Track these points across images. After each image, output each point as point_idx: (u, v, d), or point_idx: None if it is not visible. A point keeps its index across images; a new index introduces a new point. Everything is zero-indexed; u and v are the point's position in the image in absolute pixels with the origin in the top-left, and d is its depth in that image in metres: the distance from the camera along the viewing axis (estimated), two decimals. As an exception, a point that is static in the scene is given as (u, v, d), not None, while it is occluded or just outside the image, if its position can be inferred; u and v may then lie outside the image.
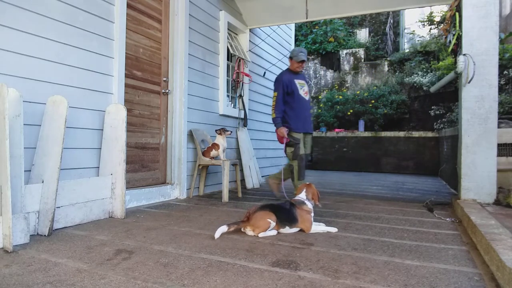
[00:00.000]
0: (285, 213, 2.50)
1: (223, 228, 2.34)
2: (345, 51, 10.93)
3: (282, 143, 3.86)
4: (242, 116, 5.27)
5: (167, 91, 3.91)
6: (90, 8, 2.93)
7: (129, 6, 3.36)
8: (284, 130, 3.72)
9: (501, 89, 5.42)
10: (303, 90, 3.88)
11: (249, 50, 5.49)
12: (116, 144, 2.90)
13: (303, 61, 3.83)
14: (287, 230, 2.50)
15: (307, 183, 2.75)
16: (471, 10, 3.31)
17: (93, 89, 2.98)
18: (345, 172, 8.40)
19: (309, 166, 8.86)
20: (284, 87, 3.76)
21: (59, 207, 2.49)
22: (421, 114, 8.85)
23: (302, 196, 2.63)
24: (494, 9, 3.26)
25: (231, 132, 4.20)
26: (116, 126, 2.93)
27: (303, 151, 3.78)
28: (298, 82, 3.86)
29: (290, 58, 3.90)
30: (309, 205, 2.58)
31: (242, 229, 2.45)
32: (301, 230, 2.53)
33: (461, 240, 2.38)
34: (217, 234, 2.31)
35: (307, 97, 3.92)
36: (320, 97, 10.25)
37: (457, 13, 3.47)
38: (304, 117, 3.86)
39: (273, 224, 2.41)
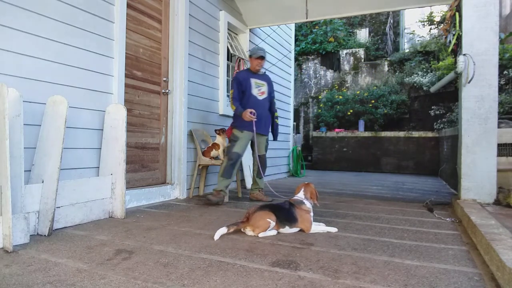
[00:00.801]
0: (285, 213, 2.49)
1: (223, 230, 2.34)
2: (345, 51, 10.92)
3: (228, 136, 3.89)
4: (242, 116, 5.26)
5: (167, 91, 3.91)
6: (90, 8, 2.93)
7: (129, 6, 3.36)
8: (249, 113, 3.61)
9: (501, 89, 5.42)
10: (259, 89, 3.81)
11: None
12: (116, 144, 2.90)
13: (261, 58, 3.76)
14: (287, 230, 2.49)
15: (306, 182, 2.74)
16: (471, 10, 3.31)
17: (93, 89, 2.98)
18: (345, 172, 8.40)
19: (309, 166, 8.88)
20: (239, 84, 3.74)
21: (59, 207, 2.49)
22: (421, 114, 8.85)
23: (300, 195, 2.63)
24: (494, 9, 3.26)
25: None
26: (116, 126, 2.93)
27: (238, 150, 3.68)
28: (254, 81, 3.80)
29: (250, 56, 3.86)
30: (308, 204, 2.58)
31: (242, 229, 2.44)
32: (301, 230, 2.53)
33: (461, 240, 2.38)
34: (216, 236, 2.30)
35: (261, 97, 3.81)
36: (320, 97, 10.25)
37: (457, 13, 3.47)
38: (256, 117, 3.71)
39: (273, 224, 2.40)
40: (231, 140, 3.79)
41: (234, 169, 3.69)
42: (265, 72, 4.16)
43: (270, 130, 4.06)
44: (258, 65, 3.80)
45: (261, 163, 3.89)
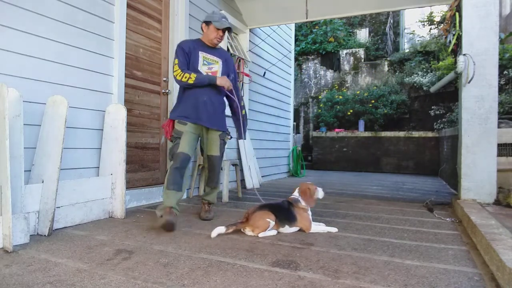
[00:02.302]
0: (284, 212, 2.49)
1: (221, 229, 2.33)
2: (345, 51, 10.93)
3: (166, 133, 2.81)
4: (242, 116, 5.24)
5: (167, 91, 3.91)
6: (90, 8, 2.93)
7: (129, 6, 3.36)
8: (226, 79, 2.73)
9: (501, 89, 5.42)
10: (210, 68, 2.78)
11: (249, 50, 5.49)
12: (116, 144, 2.90)
13: (228, 29, 2.77)
14: (286, 229, 2.49)
15: (307, 182, 2.74)
16: (471, 10, 3.31)
17: (93, 89, 2.97)
18: (345, 172, 8.40)
19: (309, 166, 8.88)
20: (184, 54, 2.70)
21: (59, 207, 2.49)
22: (421, 114, 8.85)
23: (296, 194, 2.64)
24: (494, 9, 3.26)
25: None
26: (116, 126, 2.93)
27: (184, 149, 2.68)
28: (203, 55, 2.76)
29: (206, 22, 2.76)
30: (303, 202, 2.58)
31: (242, 230, 2.45)
32: (301, 230, 2.53)
33: (461, 240, 2.38)
34: (213, 234, 2.30)
35: None
36: (320, 97, 10.26)
37: (457, 13, 3.47)
38: (203, 103, 2.72)
39: (272, 223, 2.40)
40: (173, 139, 2.75)
41: (182, 177, 2.68)
42: (225, 49, 3.25)
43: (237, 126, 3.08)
44: (216, 38, 2.77)
45: (211, 166, 2.93)
